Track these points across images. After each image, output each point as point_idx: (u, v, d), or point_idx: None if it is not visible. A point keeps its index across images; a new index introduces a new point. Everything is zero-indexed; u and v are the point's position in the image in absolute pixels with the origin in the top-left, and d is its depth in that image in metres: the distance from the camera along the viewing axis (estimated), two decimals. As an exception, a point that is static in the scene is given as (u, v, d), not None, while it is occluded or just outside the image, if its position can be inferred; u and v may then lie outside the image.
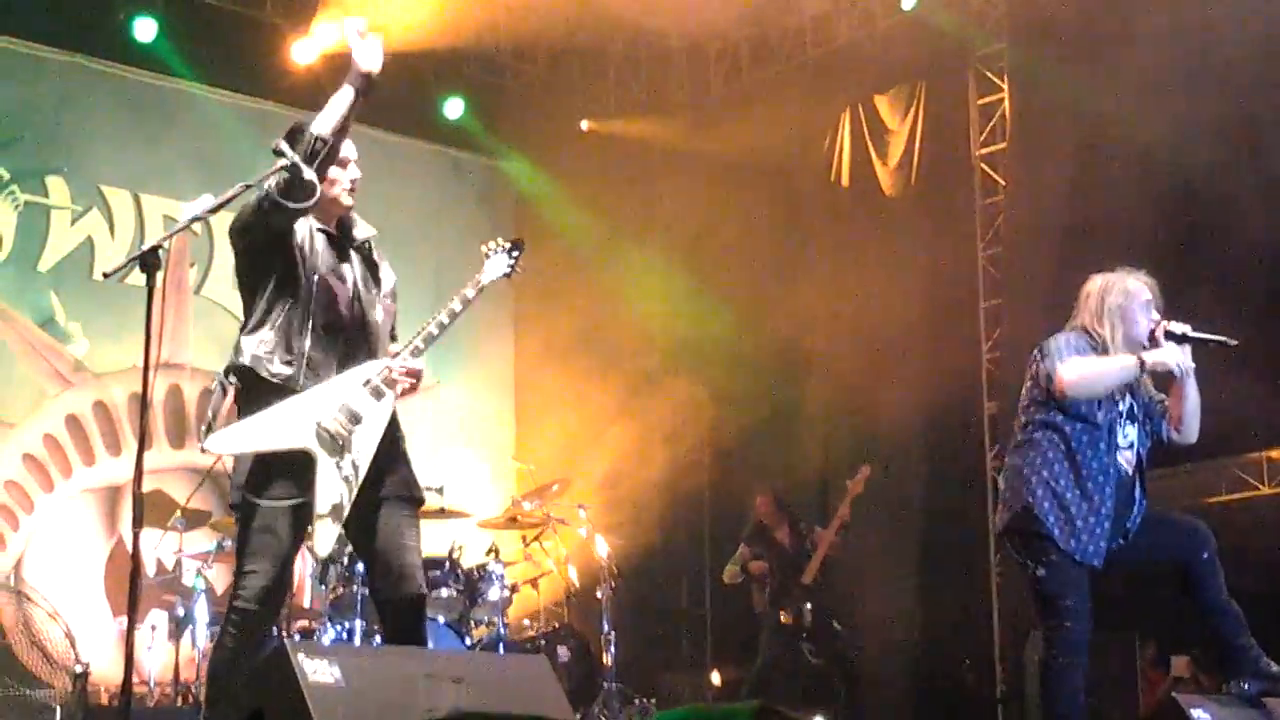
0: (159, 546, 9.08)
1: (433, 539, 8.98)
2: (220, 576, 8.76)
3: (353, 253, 5.07)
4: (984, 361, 10.00)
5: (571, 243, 11.49)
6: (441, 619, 8.17)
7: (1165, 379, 5.52)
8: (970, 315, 10.13)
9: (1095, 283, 5.59)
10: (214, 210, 4.71)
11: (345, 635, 7.89)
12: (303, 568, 8.35)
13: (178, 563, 8.94)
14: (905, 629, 10.15)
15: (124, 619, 8.47)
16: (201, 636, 8.23)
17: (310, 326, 4.81)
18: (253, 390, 4.79)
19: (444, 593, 8.38)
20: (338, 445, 4.71)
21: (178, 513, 8.80)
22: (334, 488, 4.68)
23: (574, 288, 11.22)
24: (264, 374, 4.76)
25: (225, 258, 10.73)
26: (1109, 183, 9.27)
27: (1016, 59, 10.12)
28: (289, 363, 4.78)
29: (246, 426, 4.74)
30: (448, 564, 8.50)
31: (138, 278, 4.52)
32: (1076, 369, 5.34)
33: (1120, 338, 5.45)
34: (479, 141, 11.97)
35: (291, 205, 4.67)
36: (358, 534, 4.93)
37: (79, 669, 7.76)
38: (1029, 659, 8.25)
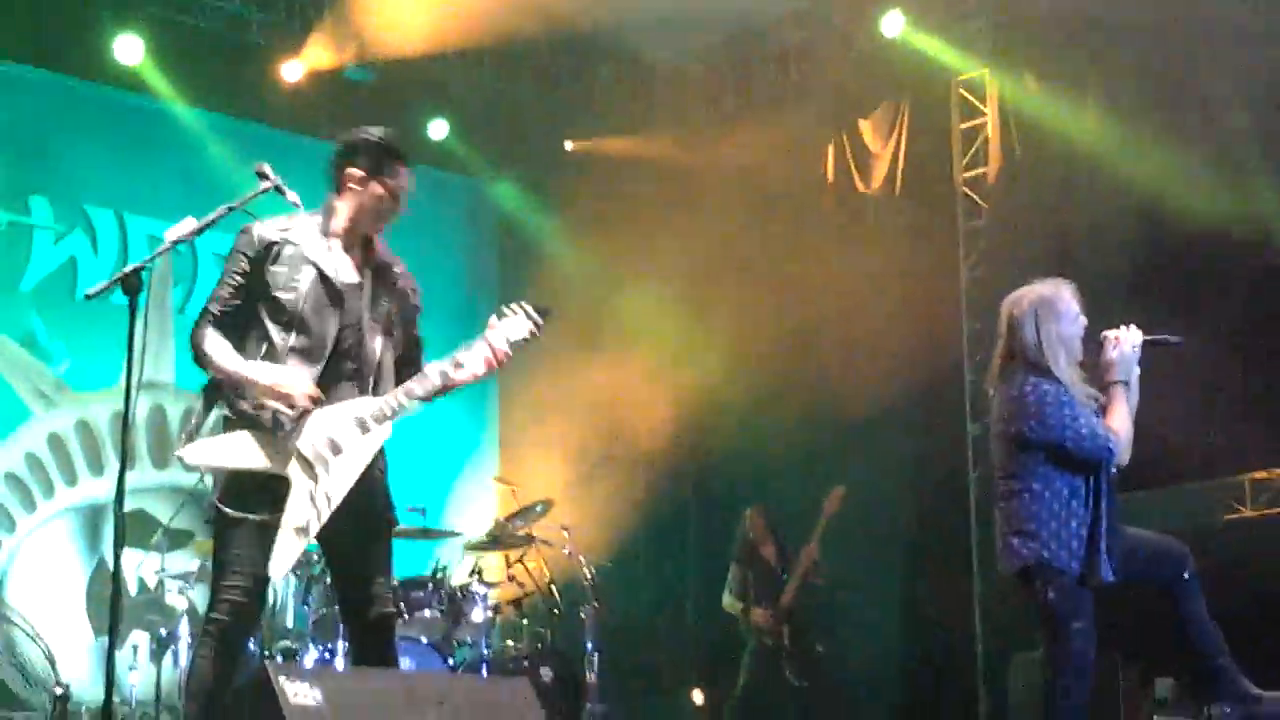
0: (141, 566, 9.05)
1: (415, 560, 9.04)
2: (203, 597, 8.71)
3: (367, 278, 4.97)
4: (967, 384, 10.02)
5: (556, 262, 11.52)
6: (424, 640, 8.16)
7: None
8: (954, 338, 10.16)
9: (1021, 306, 5.56)
10: (197, 233, 4.73)
11: (328, 656, 7.88)
12: (286, 588, 8.34)
13: (160, 583, 8.90)
14: (887, 650, 10.17)
15: (105, 639, 8.45)
16: (184, 657, 8.19)
17: (289, 352, 4.76)
18: (234, 409, 4.78)
19: (427, 614, 8.37)
20: (314, 472, 4.69)
21: (160, 532, 8.78)
22: (302, 511, 4.64)
23: (559, 307, 11.19)
24: (240, 405, 4.76)
25: (209, 277, 10.75)
26: (1091, 205, 9.35)
27: (999, 83, 10.18)
28: (249, 402, 4.74)
29: (225, 442, 4.72)
30: (430, 585, 8.50)
31: (121, 297, 4.54)
32: (1122, 441, 5.39)
33: (1064, 363, 5.45)
34: (463, 163, 11.98)
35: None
36: (330, 558, 4.97)
37: (59, 690, 7.74)
38: (1013, 680, 8.28)
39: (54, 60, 10.13)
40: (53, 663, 8.80)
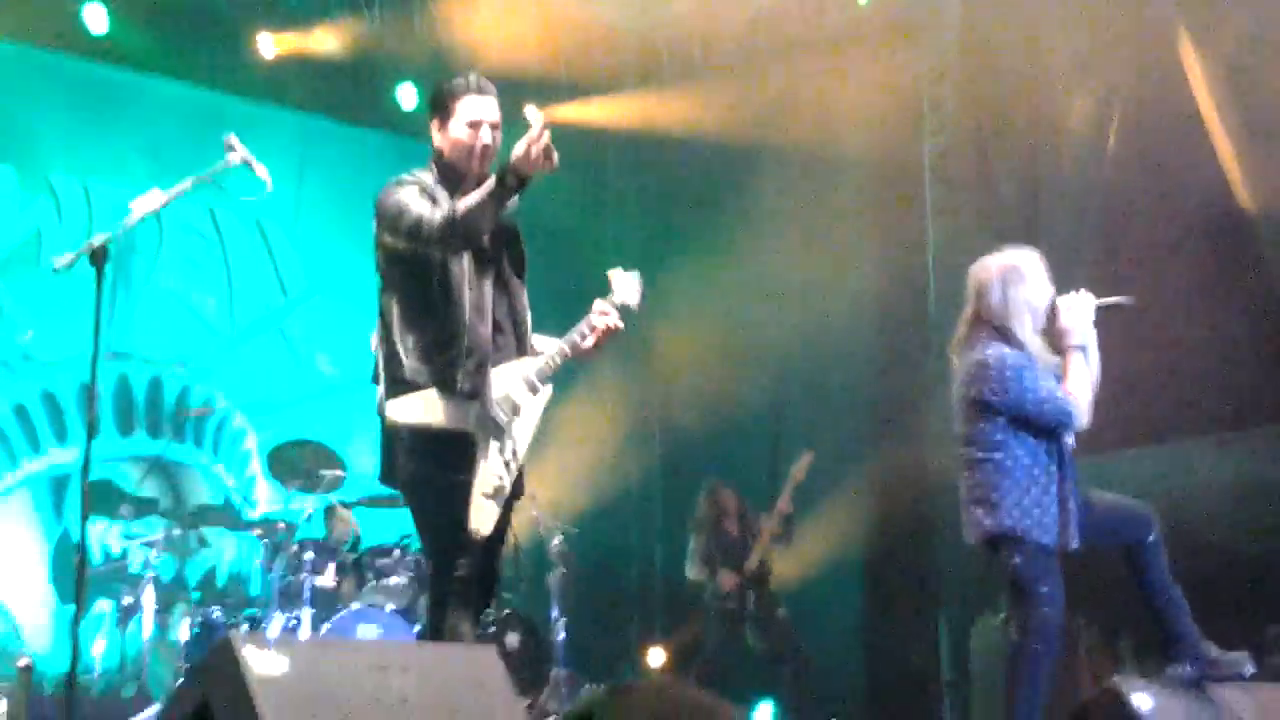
0: (106, 535, 9.05)
1: (383, 527, 9.06)
2: (168, 565, 8.75)
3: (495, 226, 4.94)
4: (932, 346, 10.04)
5: (525, 231, 11.48)
6: (392, 607, 8.20)
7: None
8: (920, 306, 10.18)
9: (989, 271, 5.61)
10: (165, 204, 4.74)
11: (293, 624, 7.91)
12: (251, 555, 8.37)
13: (125, 552, 8.91)
14: (850, 614, 10.24)
15: (70, 608, 8.45)
16: (149, 625, 8.22)
17: (462, 323, 4.79)
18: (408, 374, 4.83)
19: (393, 581, 8.41)
20: (500, 433, 4.80)
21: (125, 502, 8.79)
22: (495, 470, 4.78)
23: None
24: (415, 372, 4.79)
25: (174, 247, 10.72)
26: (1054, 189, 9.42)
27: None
28: (439, 361, 4.78)
29: (419, 401, 4.76)
30: (397, 552, 8.53)
31: (86, 268, 4.54)
32: (1082, 406, 5.44)
33: (1029, 329, 5.53)
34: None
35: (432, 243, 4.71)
36: None
37: (24, 662, 7.75)
38: (975, 644, 8.36)
39: (18, 29, 10.00)
40: (18, 634, 8.80)
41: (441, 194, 4.84)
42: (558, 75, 11.23)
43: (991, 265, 5.62)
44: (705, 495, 9.76)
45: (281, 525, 8.35)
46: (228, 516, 8.76)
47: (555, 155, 4.63)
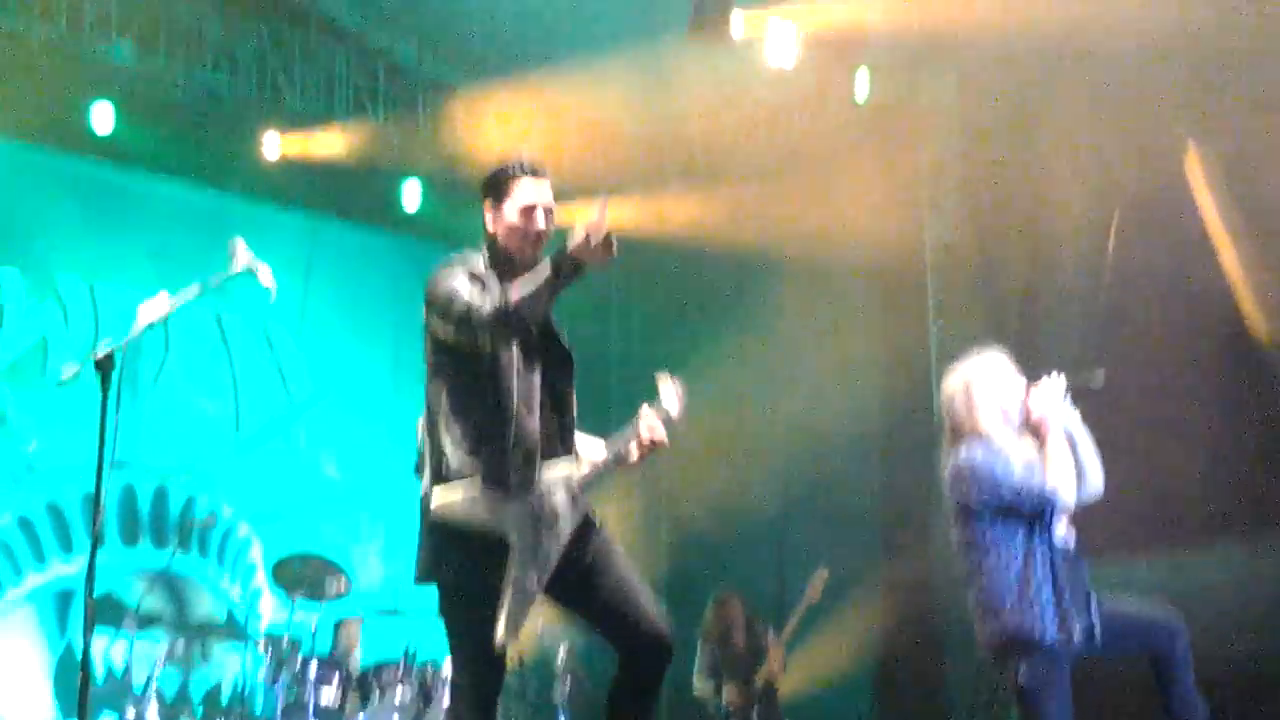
0: (110, 649, 8.91)
1: (388, 642, 8.92)
2: (171, 680, 8.60)
3: (551, 327, 4.85)
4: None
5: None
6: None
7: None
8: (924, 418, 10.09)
9: (954, 382, 5.63)
10: (172, 311, 4.67)
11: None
12: (255, 669, 8.23)
13: (128, 666, 8.76)
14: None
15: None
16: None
17: (511, 414, 4.62)
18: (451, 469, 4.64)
19: (398, 697, 8.29)
20: (534, 535, 4.58)
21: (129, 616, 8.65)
22: (529, 575, 4.55)
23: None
24: (461, 464, 4.61)
25: (180, 353, 10.66)
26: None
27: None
28: (485, 453, 4.60)
29: (461, 493, 4.57)
30: (402, 668, 8.40)
31: (92, 375, 4.46)
32: (1065, 488, 5.35)
33: (1001, 424, 5.50)
34: (437, 229, 11.96)
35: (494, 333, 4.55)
36: (578, 605, 4.79)
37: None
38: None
39: (25, 129, 10.01)
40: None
41: (492, 280, 4.68)
42: (562, 177, 11.21)
43: (955, 375, 5.64)
44: (713, 606, 9.58)
45: (286, 640, 8.21)
46: (232, 630, 8.63)
47: (615, 245, 4.47)
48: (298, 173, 10.96)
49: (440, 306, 4.62)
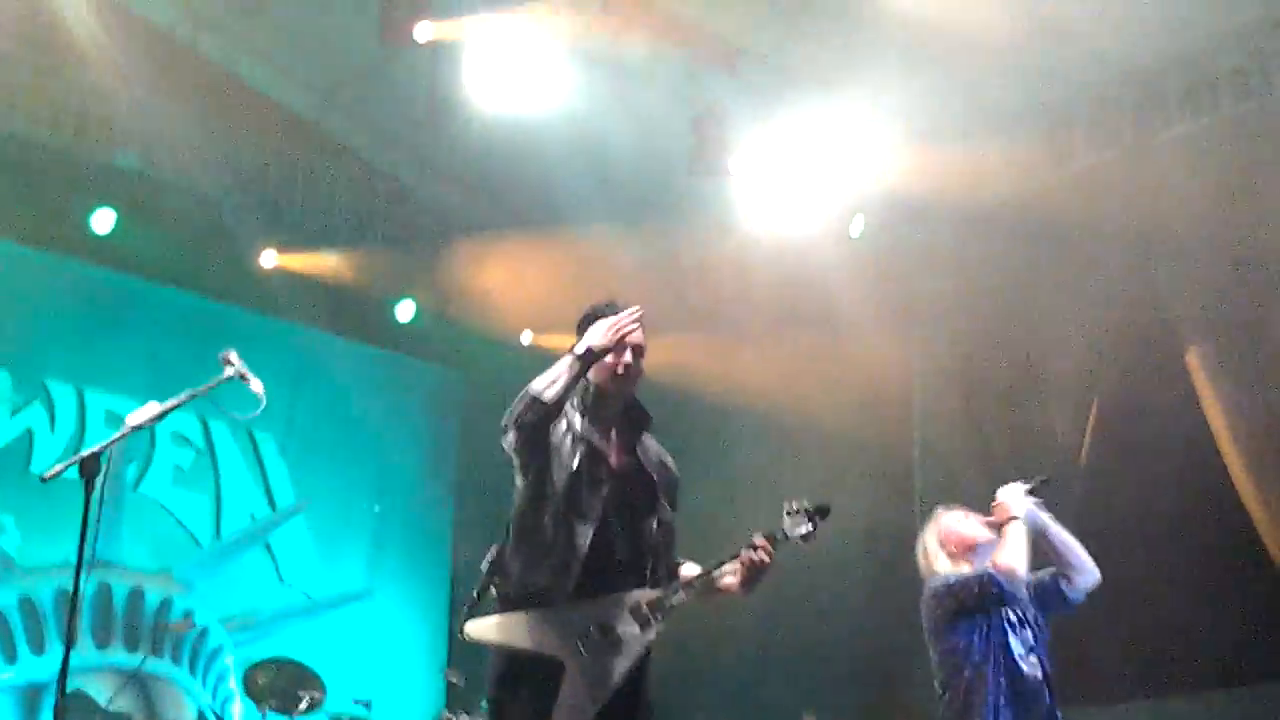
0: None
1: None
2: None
3: (633, 451, 4.92)
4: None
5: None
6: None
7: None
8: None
9: (929, 544, 5.84)
10: (159, 418, 4.71)
11: None
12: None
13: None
14: None
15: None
16: None
17: (572, 542, 4.69)
18: (510, 587, 4.74)
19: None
20: (590, 662, 4.61)
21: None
22: (578, 696, 4.57)
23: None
24: (516, 581, 4.71)
25: (164, 457, 10.68)
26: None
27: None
28: (543, 576, 4.68)
29: (504, 621, 4.67)
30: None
31: (75, 475, 4.50)
32: (1014, 571, 5.45)
33: (944, 557, 5.73)
34: (428, 347, 12.06)
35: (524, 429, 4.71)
36: None
37: None
38: None
39: (22, 231, 10.08)
40: None
41: (573, 412, 4.85)
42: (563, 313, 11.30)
43: (928, 538, 5.87)
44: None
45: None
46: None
47: (636, 336, 4.73)
48: (293, 286, 11.06)
49: (501, 427, 4.79)
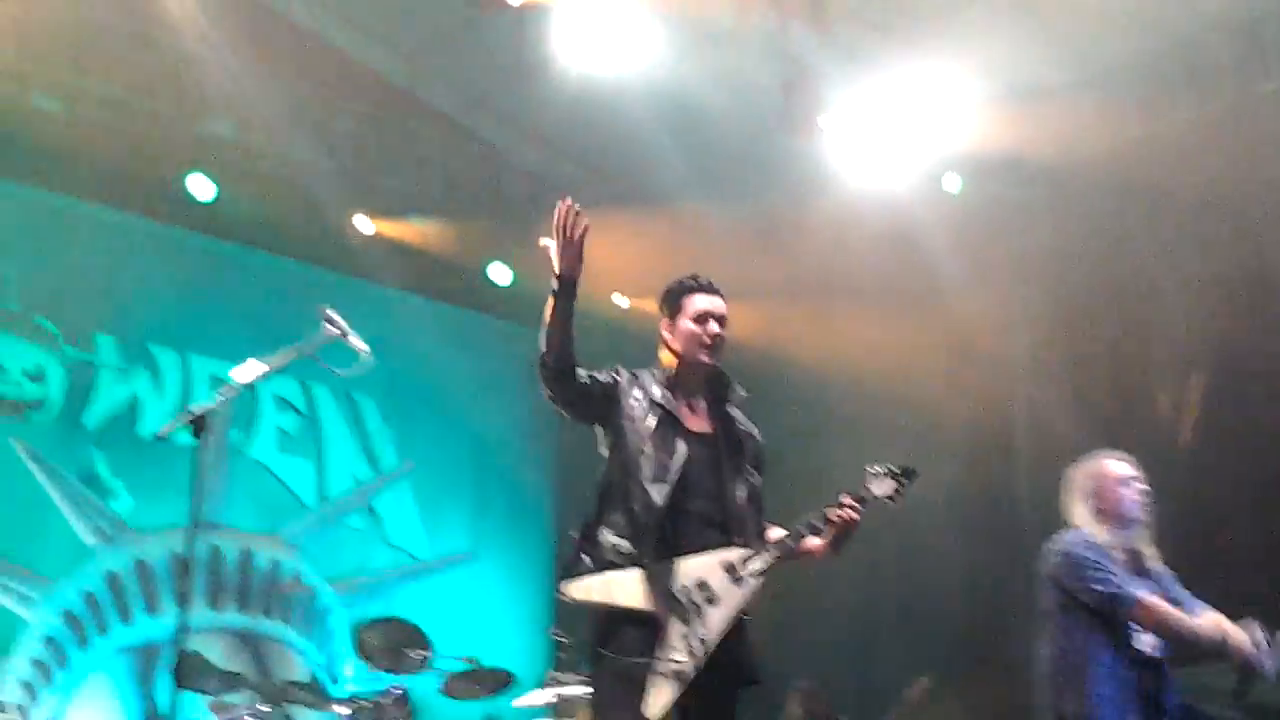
0: (192, 709, 8.97)
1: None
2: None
3: (718, 419, 5.10)
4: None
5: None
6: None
7: None
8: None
9: (1080, 486, 5.73)
10: (263, 377, 4.78)
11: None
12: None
13: (209, 727, 8.81)
14: None
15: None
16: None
17: (648, 501, 4.84)
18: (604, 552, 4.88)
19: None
20: (687, 616, 4.73)
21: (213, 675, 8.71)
22: (678, 654, 4.68)
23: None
24: (605, 546, 4.86)
25: (268, 420, 10.83)
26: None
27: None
28: (628, 538, 4.84)
29: (602, 580, 4.82)
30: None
31: (183, 437, 4.59)
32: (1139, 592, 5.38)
33: (1094, 520, 5.61)
34: (525, 312, 12.09)
35: (544, 385, 4.92)
36: (689, 711, 4.85)
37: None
38: None
39: (127, 200, 10.23)
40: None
41: (649, 381, 5.04)
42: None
43: (1074, 470, 5.78)
44: (797, 695, 9.51)
45: (368, 704, 8.24)
46: (314, 694, 8.62)
47: (576, 222, 4.80)
48: (388, 251, 11.14)
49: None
